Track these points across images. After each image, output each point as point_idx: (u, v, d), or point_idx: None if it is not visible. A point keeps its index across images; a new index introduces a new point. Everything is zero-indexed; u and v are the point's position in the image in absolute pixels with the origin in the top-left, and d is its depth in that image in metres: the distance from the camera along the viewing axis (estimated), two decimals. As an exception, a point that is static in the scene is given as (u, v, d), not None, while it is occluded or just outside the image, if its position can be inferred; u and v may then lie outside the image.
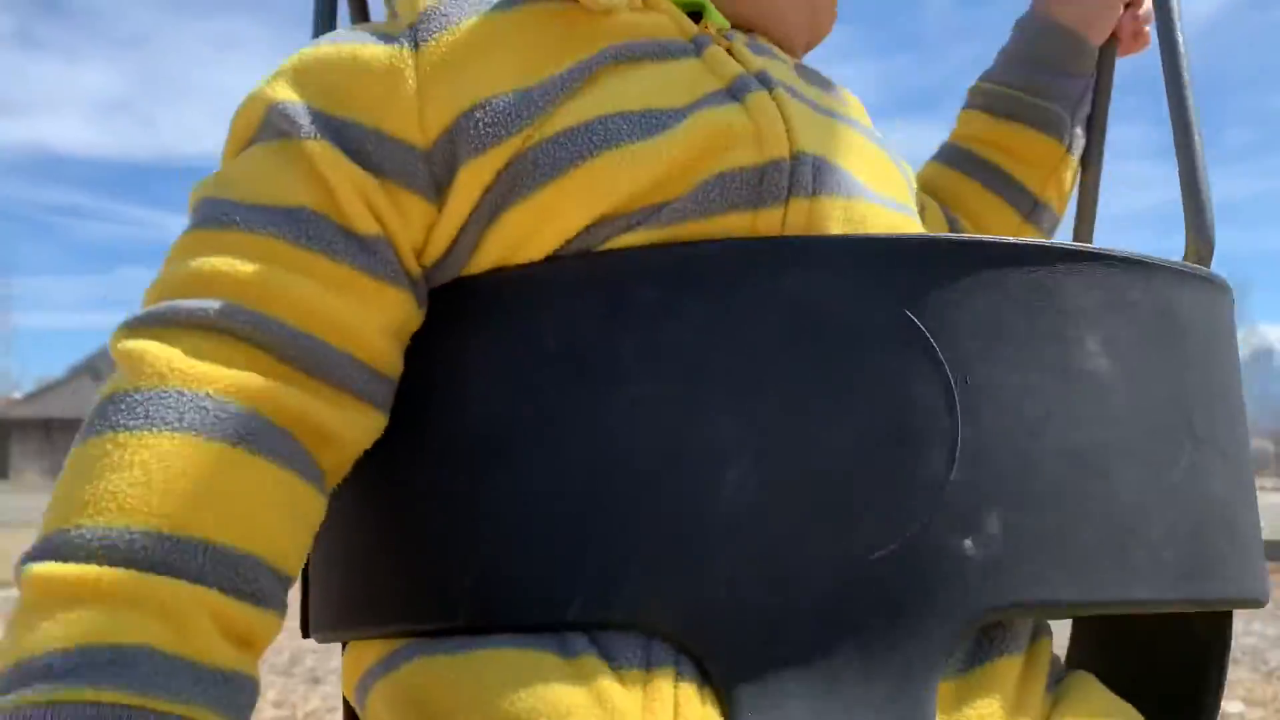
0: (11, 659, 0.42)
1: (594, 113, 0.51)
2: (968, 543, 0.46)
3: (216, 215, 0.50)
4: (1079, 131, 0.81)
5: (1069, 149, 0.80)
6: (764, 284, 0.48)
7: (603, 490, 0.47)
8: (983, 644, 0.51)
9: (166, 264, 0.52)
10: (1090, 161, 0.82)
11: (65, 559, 0.44)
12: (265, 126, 0.53)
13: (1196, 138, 0.64)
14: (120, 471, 0.45)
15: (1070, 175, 0.82)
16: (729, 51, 0.58)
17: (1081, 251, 0.52)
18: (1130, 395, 0.51)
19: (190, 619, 0.43)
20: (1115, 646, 0.68)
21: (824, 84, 0.67)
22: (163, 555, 0.43)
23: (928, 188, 0.83)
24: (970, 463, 0.46)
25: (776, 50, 0.64)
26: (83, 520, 0.45)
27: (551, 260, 0.51)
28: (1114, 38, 0.81)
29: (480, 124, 0.51)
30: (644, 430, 0.47)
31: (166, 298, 0.49)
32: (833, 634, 0.45)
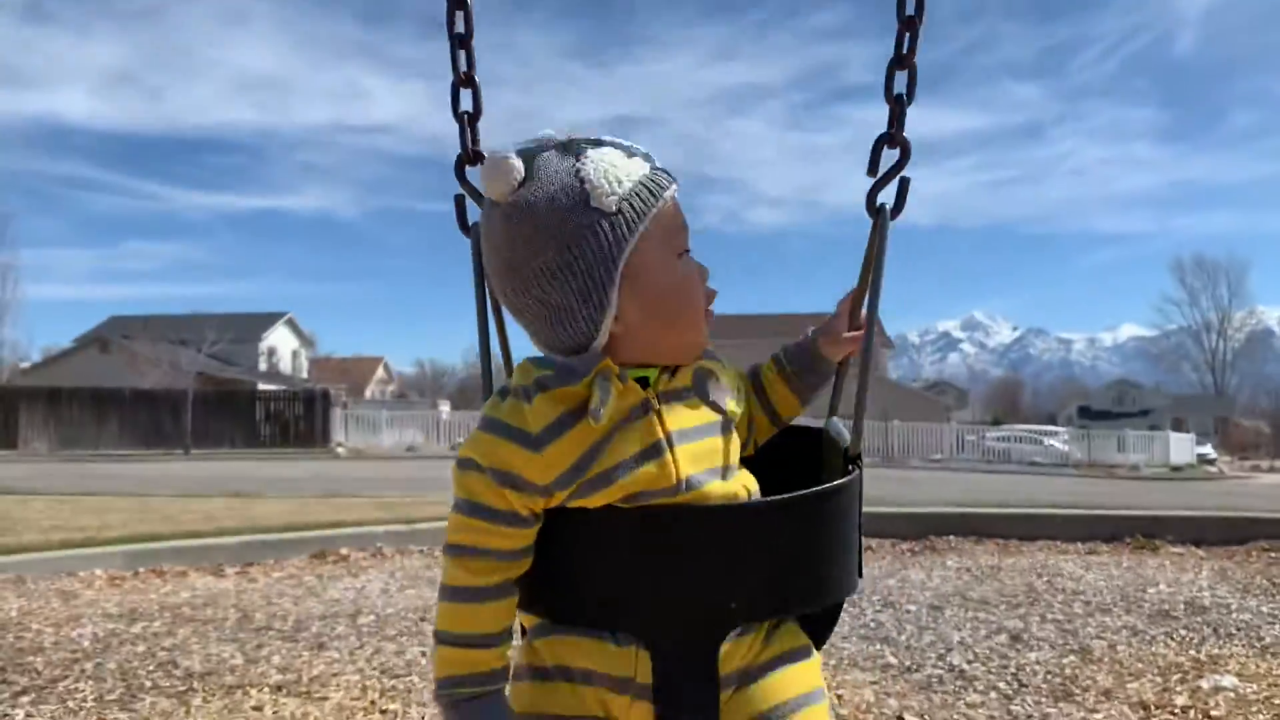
0: (442, 675, 1.24)
1: (606, 467, 1.20)
2: (734, 605, 1.21)
3: (471, 509, 1.23)
4: (815, 392, 1.53)
5: (804, 403, 1.52)
6: (672, 525, 1.21)
7: (607, 586, 1.23)
8: (743, 631, 1.25)
9: (453, 526, 1.24)
10: (836, 395, 1.53)
11: (461, 645, 1.24)
12: (475, 468, 1.23)
13: (867, 395, 1.40)
14: (462, 615, 1.24)
15: (800, 412, 1.52)
16: (659, 414, 1.24)
17: (783, 500, 1.25)
18: (799, 543, 1.26)
19: (498, 664, 1.24)
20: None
21: (703, 390, 1.30)
22: (481, 642, 1.24)
23: (749, 387, 1.49)
24: (732, 587, 1.22)
25: (683, 381, 1.29)
26: (451, 629, 1.25)
27: (593, 509, 1.22)
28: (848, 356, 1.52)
29: (560, 481, 1.20)
30: (631, 573, 1.22)
31: (456, 544, 1.24)
32: (690, 641, 1.21)
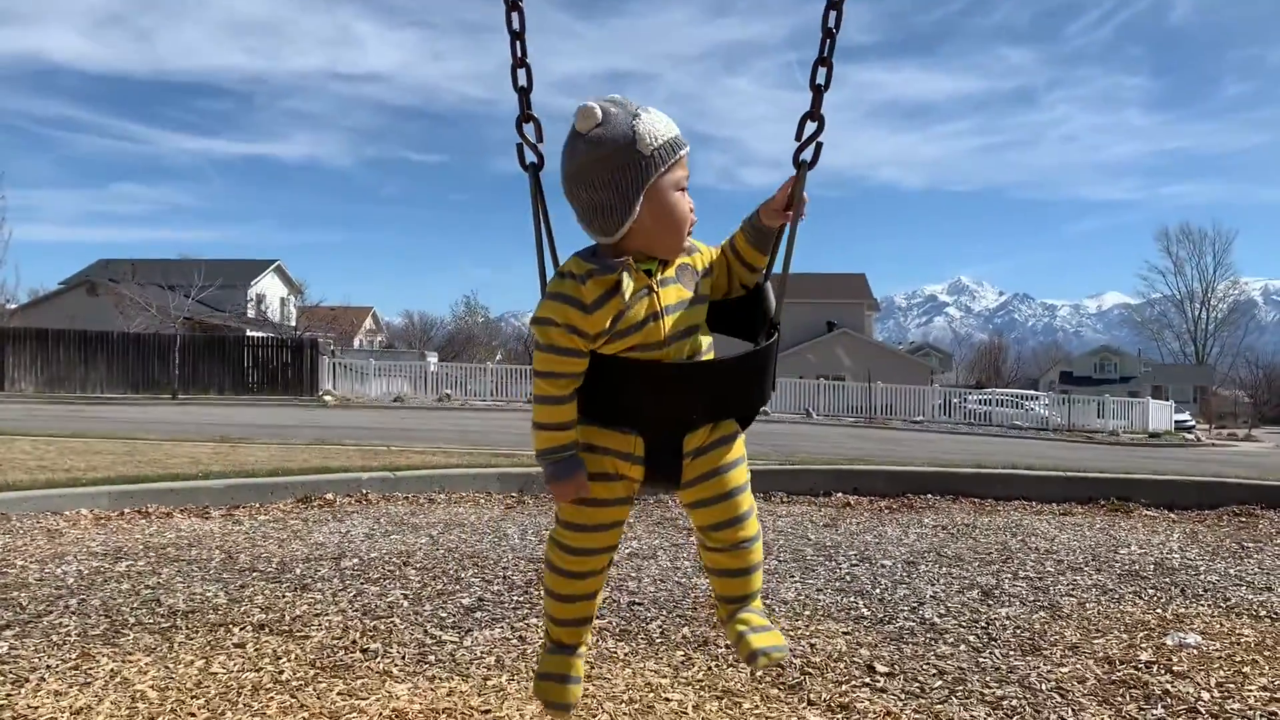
0: (541, 448, 2.04)
1: (626, 325, 1.97)
2: (694, 416, 2.07)
3: (552, 349, 1.98)
4: (766, 245, 2.14)
5: (762, 252, 2.14)
6: (661, 372, 2.01)
7: (621, 403, 2.04)
8: (699, 425, 2.09)
9: (540, 360, 1.99)
10: (775, 255, 2.17)
11: (551, 429, 2.03)
12: (548, 322, 1.97)
13: (786, 272, 2.16)
14: (551, 412, 2.02)
15: (761, 261, 2.15)
16: (657, 293, 2.00)
17: (729, 360, 2.06)
18: (736, 381, 2.09)
19: (572, 438, 2.05)
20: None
21: (687, 277, 2.06)
22: (563, 426, 2.04)
23: (727, 249, 2.16)
24: (693, 406, 2.07)
25: (670, 273, 2.04)
26: (545, 420, 2.03)
27: (616, 359, 2.01)
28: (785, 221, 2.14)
29: (602, 333, 1.97)
30: (636, 397, 2.04)
31: (544, 370, 1.99)
32: (667, 433, 2.07)
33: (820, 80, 2.15)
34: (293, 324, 51.73)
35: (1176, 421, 38.67)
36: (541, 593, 2.21)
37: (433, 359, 41.19)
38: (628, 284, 1.95)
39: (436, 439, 12.77)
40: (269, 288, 56.36)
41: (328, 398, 29.85)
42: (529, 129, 2.24)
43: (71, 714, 2.72)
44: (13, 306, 43.88)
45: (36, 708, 2.75)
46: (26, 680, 2.97)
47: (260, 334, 37.71)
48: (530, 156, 2.23)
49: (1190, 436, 33.78)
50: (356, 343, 58.38)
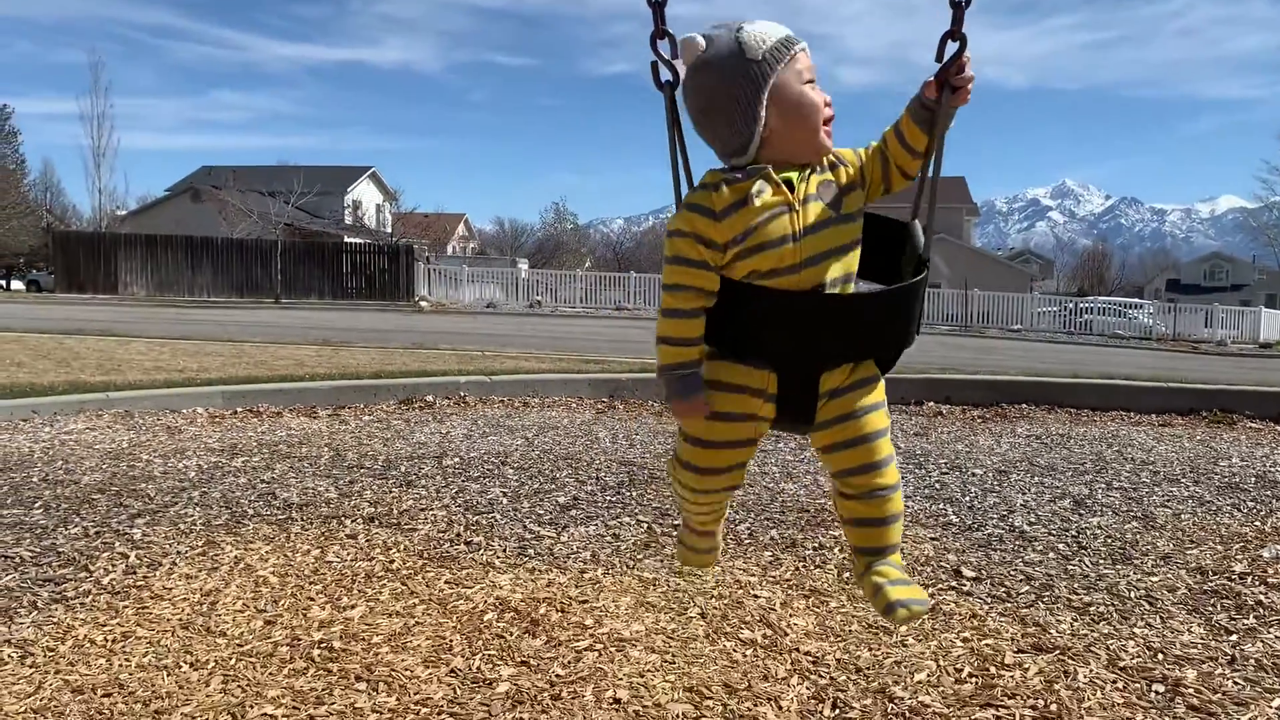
0: (665, 363, 1.94)
1: (757, 241, 1.85)
2: (834, 353, 1.92)
3: (680, 260, 1.88)
4: (929, 124, 1.92)
5: (923, 133, 1.92)
6: (791, 301, 1.87)
7: (756, 337, 1.91)
8: (837, 364, 1.96)
9: (668, 273, 1.90)
10: (932, 147, 1.95)
11: (676, 344, 1.92)
12: (677, 233, 1.89)
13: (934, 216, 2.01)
14: (677, 326, 1.92)
15: (922, 142, 1.92)
16: (797, 211, 1.86)
17: (875, 293, 1.94)
18: (881, 318, 1.95)
19: (698, 355, 1.95)
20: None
21: (830, 192, 1.90)
22: (689, 342, 1.92)
23: (886, 136, 1.97)
24: (833, 342, 1.92)
25: (813, 188, 1.89)
26: (670, 334, 1.92)
27: (741, 281, 1.88)
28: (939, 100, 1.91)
29: (733, 243, 1.85)
30: (771, 331, 1.89)
31: (672, 283, 1.89)
32: (803, 371, 1.94)
33: None
34: (388, 230, 52.60)
35: (1290, 332, 37.04)
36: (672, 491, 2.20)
37: (523, 265, 41.61)
38: (762, 192, 1.88)
39: (529, 345, 12.99)
40: (364, 194, 57.23)
41: (423, 303, 30.47)
42: (663, 45, 2.11)
43: (202, 595, 2.94)
44: (122, 213, 45.50)
45: (171, 589, 2.98)
46: (159, 564, 3.21)
47: (357, 240, 38.46)
48: (665, 74, 2.09)
49: (1304, 347, 32.39)
50: (450, 249, 59.17)
